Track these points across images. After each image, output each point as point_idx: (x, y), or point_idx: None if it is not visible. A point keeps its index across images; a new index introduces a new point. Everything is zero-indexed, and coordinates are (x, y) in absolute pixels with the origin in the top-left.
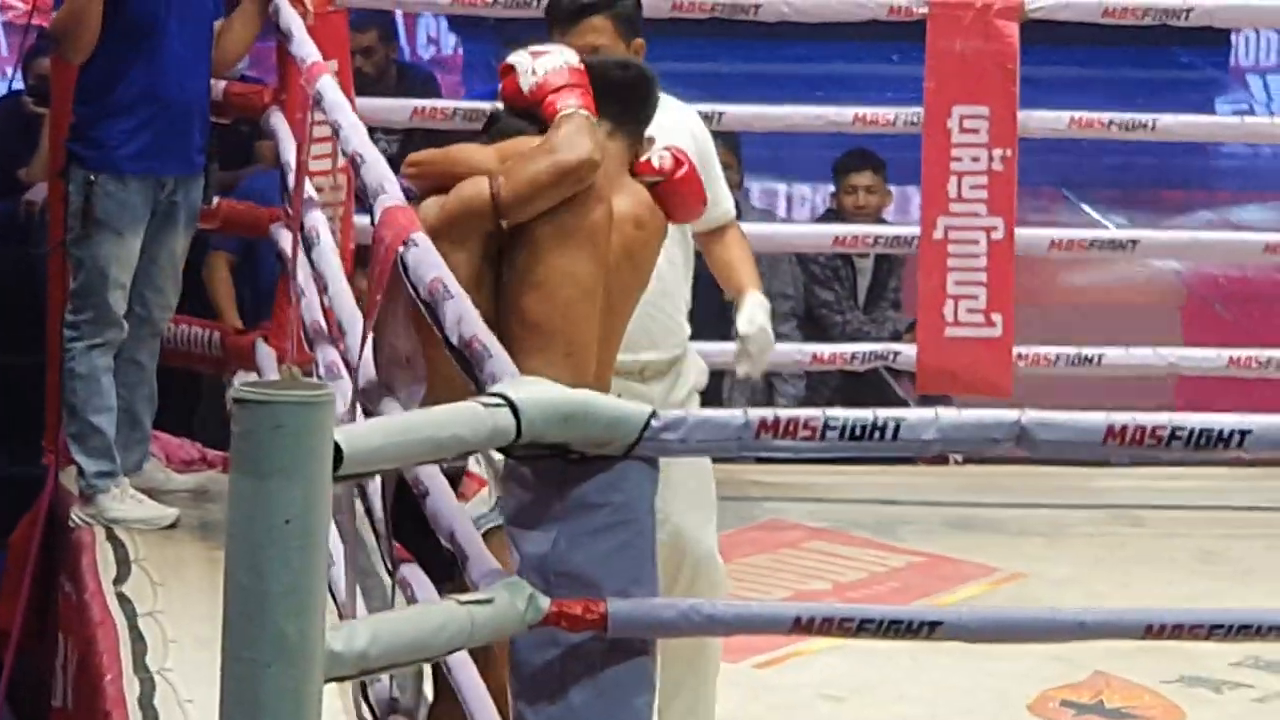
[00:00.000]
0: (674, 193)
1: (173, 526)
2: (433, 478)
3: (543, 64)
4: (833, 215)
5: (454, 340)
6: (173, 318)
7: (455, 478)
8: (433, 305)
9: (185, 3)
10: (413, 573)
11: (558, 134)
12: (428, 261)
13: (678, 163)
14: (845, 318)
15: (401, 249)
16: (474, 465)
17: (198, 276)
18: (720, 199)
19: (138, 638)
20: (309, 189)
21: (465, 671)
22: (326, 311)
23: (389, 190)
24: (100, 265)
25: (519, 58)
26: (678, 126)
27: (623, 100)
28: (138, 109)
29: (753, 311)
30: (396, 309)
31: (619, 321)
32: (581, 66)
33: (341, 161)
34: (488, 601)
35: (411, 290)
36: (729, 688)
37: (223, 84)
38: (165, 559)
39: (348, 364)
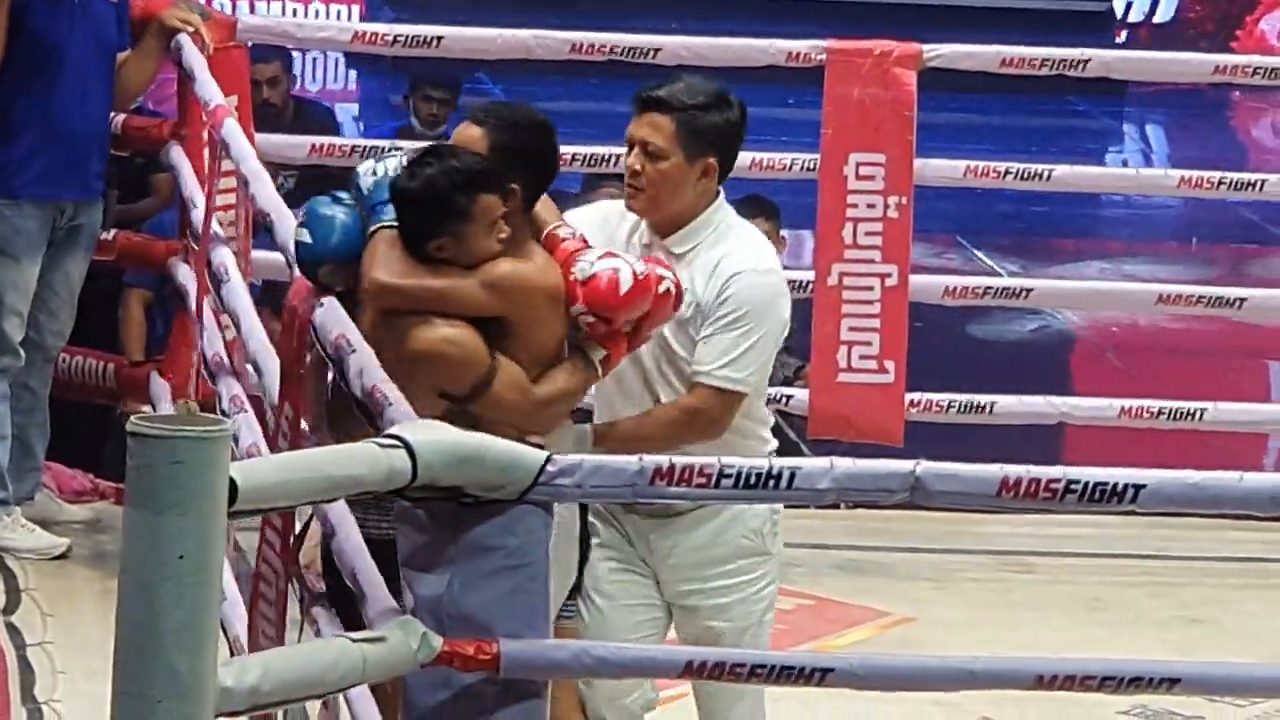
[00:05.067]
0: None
1: (64, 557)
2: (342, 518)
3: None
4: None
5: (356, 390)
6: (69, 348)
7: None
8: (339, 359)
9: (89, 30)
10: (322, 612)
11: (567, 380)
12: (334, 319)
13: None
14: None
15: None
16: None
17: (110, 312)
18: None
19: (26, 668)
20: (215, 226)
21: (364, 707)
22: (230, 345)
23: None
24: None
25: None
26: (715, 272)
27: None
28: (35, 134)
29: None
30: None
31: None
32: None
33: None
34: (380, 640)
35: (321, 348)
36: None
37: (121, 117)
38: (56, 590)
39: (255, 399)
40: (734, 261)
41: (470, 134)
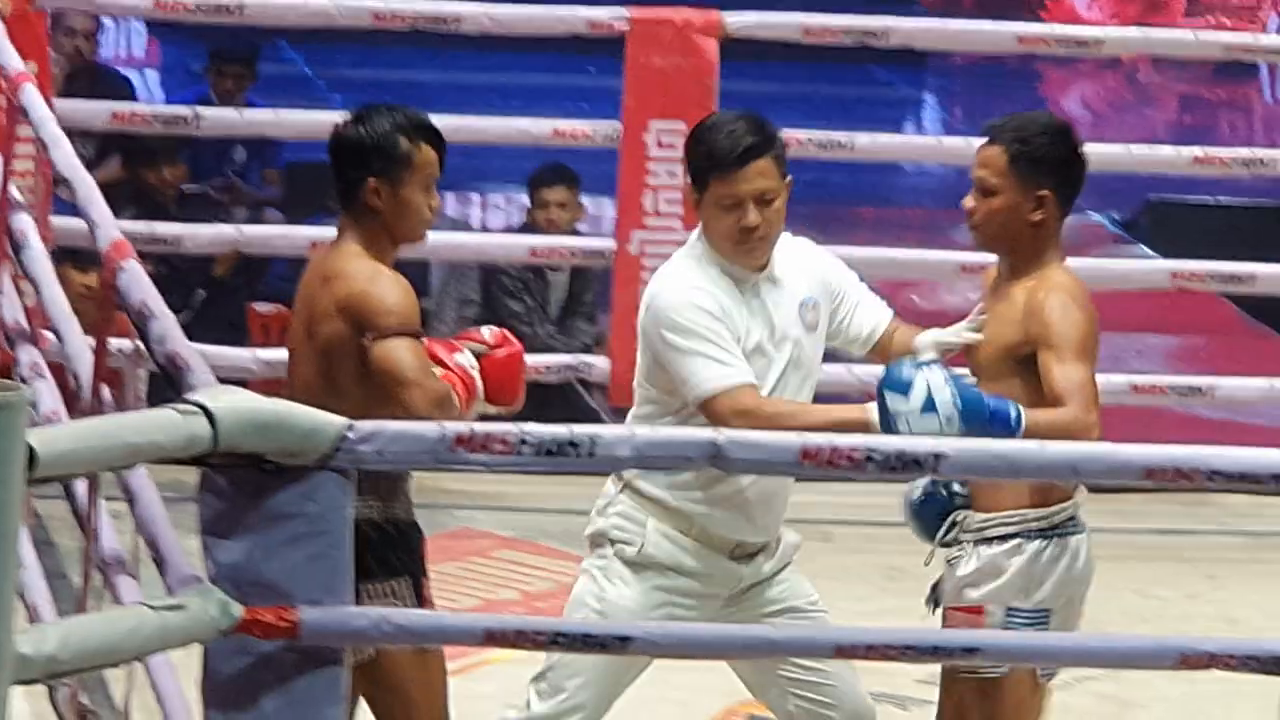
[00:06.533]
0: (491, 372)
1: None
2: (142, 485)
3: None
4: (527, 228)
5: (159, 357)
6: None
7: None
8: (140, 325)
9: None
10: (123, 579)
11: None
12: (136, 284)
13: (504, 340)
14: (534, 330)
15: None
16: None
17: None
18: (879, 303)
19: None
20: (13, 192)
21: (164, 677)
22: (29, 311)
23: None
24: None
25: None
26: (806, 268)
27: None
28: None
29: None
30: None
31: None
32: None
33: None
34: (180, 607)
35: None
36: None
37: None
38: None
39: (55, 365)
40: (808, 245)
41: (988, 151)
